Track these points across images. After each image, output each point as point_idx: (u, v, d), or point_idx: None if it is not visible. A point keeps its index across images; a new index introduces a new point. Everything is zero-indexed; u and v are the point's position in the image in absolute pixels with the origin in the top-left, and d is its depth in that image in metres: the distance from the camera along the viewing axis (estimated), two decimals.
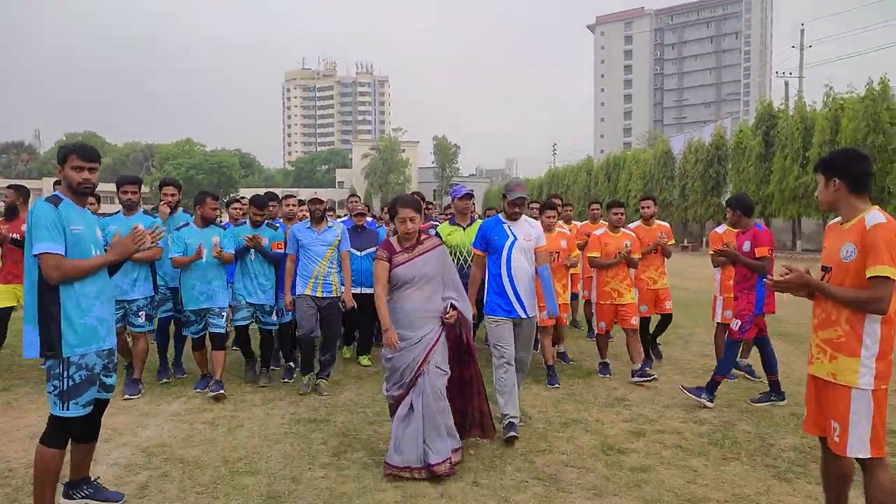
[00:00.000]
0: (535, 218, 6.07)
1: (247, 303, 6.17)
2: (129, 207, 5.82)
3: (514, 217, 4.89)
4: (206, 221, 5.90)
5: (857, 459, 2.80)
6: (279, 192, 8.41)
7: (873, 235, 2.71)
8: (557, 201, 7.15)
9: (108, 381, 3.45)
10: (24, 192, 6.84)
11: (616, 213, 6.54)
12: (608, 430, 4.77)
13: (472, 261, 5.35)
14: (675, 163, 41.30)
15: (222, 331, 5.87)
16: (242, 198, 7.49)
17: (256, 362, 6.39)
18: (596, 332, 6.74)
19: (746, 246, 5.41)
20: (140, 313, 5.77)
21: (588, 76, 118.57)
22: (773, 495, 3.63)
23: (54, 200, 3.24)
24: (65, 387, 3.16)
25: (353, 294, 6.16)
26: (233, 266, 6.26)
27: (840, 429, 2.78)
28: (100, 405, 3.46)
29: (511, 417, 4.57)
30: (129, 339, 5.99)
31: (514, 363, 4.71)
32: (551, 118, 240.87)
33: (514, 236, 4.81)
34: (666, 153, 42.40)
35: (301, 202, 7.28)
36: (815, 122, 28.08)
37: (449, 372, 4.18)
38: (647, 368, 6.27)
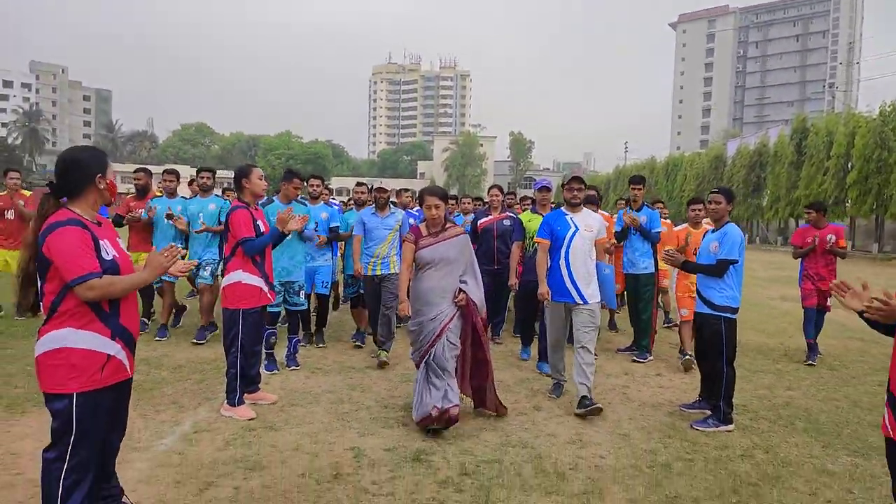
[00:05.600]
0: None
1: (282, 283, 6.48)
2: (205, 190, 7.34)
3: (574, 205, 5.22)
4: (290, 199, 6.13)
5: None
6: (365, 181, 8.92)
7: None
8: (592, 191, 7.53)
9: None
10: (150, 174, 7.91)
11: (693, 210, 7.04)
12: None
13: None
14: (725, 166, 44.87)
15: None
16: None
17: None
18: (679, 319, 6.99)
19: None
20: (207, 268, 7.00)
21: (668, 74, 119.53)
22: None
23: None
24: None
25: None
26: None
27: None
28: None
29: (581, 391, 4.91)
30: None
31: (563, 345, 5.27)
32: (630, 114, 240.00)
33: (576, 227, 5.12)
34: (717, 157, 46.00)
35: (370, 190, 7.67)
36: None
37: (459, 346, 4.61)
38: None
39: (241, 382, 4.63)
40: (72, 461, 2.62)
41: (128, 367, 2.82)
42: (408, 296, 4.77)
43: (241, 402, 4.64)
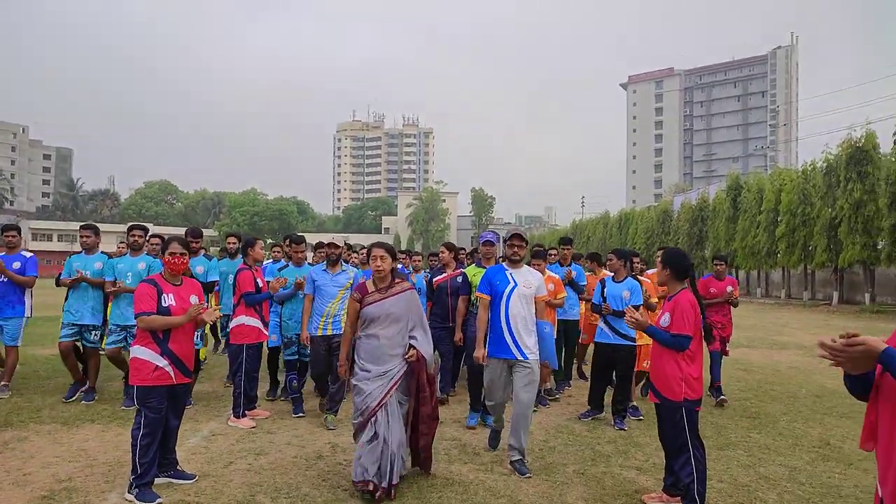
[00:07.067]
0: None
1: (296, 335, 6.84)
2: (135, 249, 6.99)
3: (515, 261, 5.27)
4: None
5: None
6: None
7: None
8: (553, 251, 8.43)
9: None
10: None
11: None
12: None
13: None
14: (671, 220, 47.99)
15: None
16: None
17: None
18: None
19: None
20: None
21: (621, 131, 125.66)
22: None
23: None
24: None
25: None
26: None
27: None
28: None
29: (510, 451, 5.01)
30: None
31: (501, 403, 5.21)
32: (590, 169, 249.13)
33: (515, 282, 5.13)
34: (665, 212, 49.25)
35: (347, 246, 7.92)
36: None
37: (408, 399, 4.59)
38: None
39: (244, 400, 6.16)
40: (145, 430, 4.22)
41: (172, 377, 4.34)
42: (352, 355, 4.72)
43: (243, 416, 6.16)
